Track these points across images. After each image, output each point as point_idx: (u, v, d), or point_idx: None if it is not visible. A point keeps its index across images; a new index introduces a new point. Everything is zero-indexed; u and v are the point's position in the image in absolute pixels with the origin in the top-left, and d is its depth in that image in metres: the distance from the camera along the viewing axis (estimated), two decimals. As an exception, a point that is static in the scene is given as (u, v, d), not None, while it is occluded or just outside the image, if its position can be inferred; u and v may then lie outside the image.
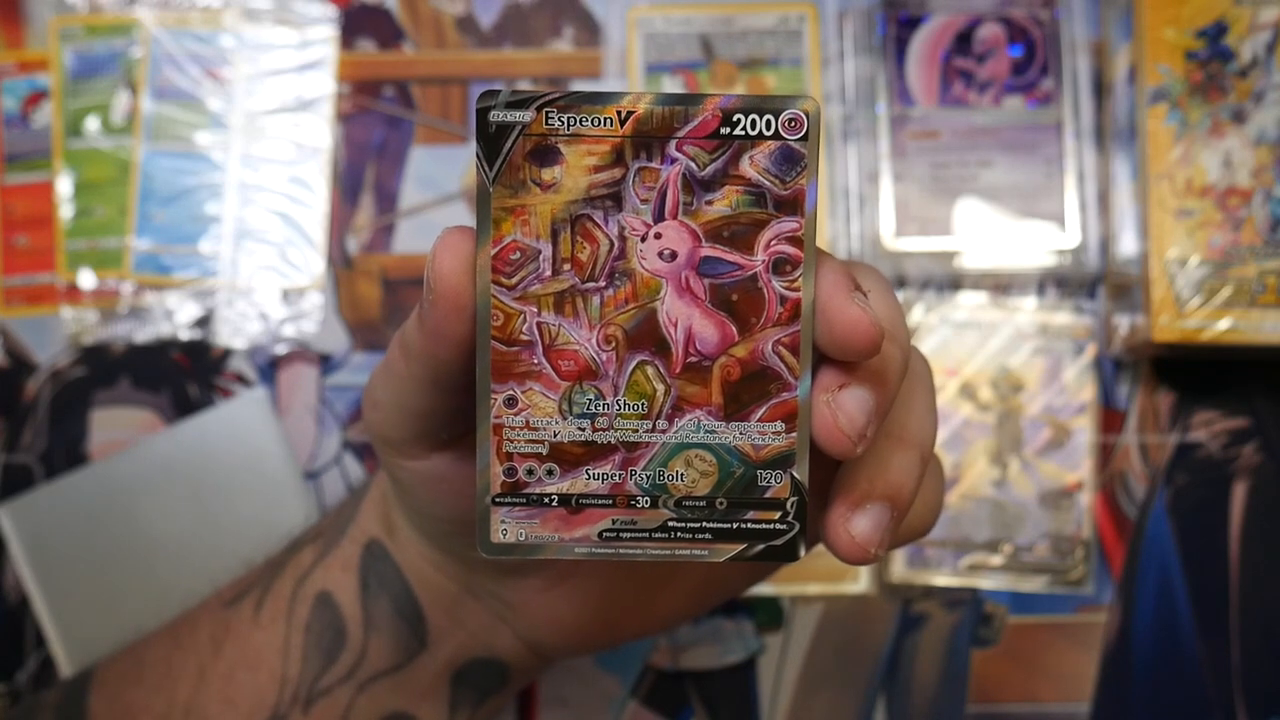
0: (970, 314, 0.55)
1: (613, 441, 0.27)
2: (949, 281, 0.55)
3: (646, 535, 0.27)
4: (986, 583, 0.53)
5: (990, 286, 0.55)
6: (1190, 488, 0.54)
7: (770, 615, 0.54)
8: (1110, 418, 0.54)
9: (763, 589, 0.53)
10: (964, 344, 0.54)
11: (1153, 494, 0.54)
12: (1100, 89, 0.56)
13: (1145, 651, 0.53)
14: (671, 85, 0.57)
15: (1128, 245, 0.52)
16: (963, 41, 0.56)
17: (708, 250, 0.26)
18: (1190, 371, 0.54)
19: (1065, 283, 0.55)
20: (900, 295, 0.55)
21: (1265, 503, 0.53)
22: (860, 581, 0.53)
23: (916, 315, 0.55)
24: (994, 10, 0.56)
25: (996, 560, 0.53)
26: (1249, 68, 0.51)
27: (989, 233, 0.55)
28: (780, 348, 0.26)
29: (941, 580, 0.53)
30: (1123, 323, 0.53)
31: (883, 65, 0.56)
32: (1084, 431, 0.54)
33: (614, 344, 0.26)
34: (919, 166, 0.55)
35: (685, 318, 0.26)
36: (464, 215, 0.56)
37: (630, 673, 0.53)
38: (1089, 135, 0.55)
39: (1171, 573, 0.53)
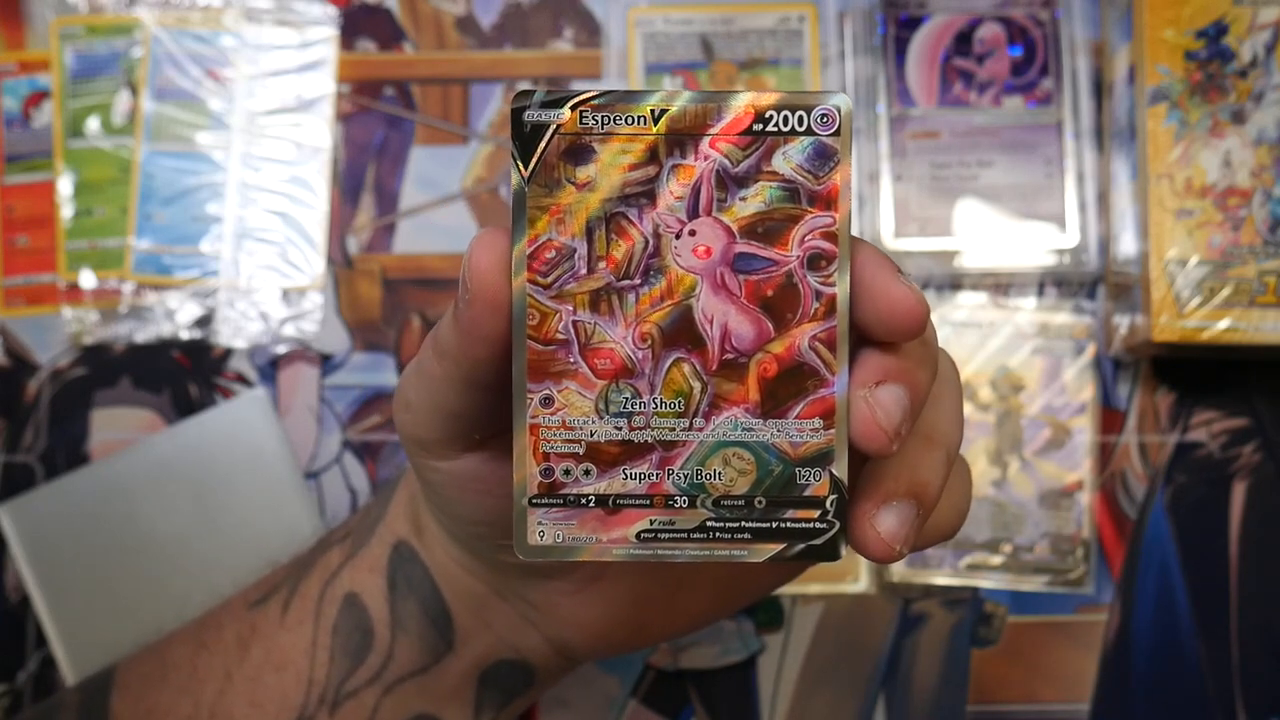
0: (970, 314, 0.55)
1: (650, 440, 0.26)
2: (949, 281, 0.55)
3: (685, 536, 0.27)
4: (986, 582, 0.53)
5: (990, 286, 0.55)
6: (1190, 487, 0.54)
7: (770, 615, 0.54)
8: (1110, 417, 0.54)
9: (763, 589, 0.53)
10: (964, 344, 0.54)
11: (1152, 494, 0.54)
12: (1100, 89, 0.56)
13: (1145, 651, 0.53)
14: (671, 86, 0.57)
15: (1127, 245, 0.52)
16: (962, 42, 0.56)
17: (742, 246, 0.26)
18: (1190, 371, 0.54)
19: (1065, 283, 0.55)
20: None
21: (1265, 503, 0.53)
22: (860, 581, 0.53)
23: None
24: (994, 10, 0.56)
25: (996, 560, 0.53)
26: (1249, 68, 0.51)
27: (989, 233, 0.55)
28: (817, 343, 0.26)
29: (941, 580, 0.53)
30: (1122, 323, 0.53)
31: (883, 65, 0.56)
32: (1084, 431, 0.54)
33: (650, 342, 0.26)
34: (919, 166, 0.55)
35: (721, 314, 0.26)
36: (465, 215, 0.56)
37: (630, 673, 0.53)
38: (1089, 135, 0.55)
39: (1171, 572, 0.53)
